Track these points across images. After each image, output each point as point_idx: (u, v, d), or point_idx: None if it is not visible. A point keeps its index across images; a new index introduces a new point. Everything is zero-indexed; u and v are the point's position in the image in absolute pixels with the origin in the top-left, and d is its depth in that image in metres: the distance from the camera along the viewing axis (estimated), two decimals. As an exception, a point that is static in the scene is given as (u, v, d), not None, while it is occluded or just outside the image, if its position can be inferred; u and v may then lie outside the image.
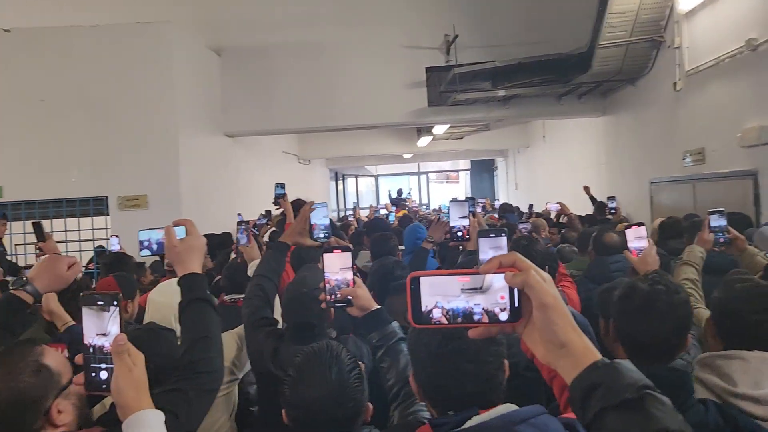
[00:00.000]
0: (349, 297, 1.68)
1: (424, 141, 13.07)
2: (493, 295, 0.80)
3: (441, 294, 0.81)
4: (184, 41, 6.88)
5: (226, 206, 7.91)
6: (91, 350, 1.27)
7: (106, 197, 6.40)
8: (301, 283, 2.21)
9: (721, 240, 2.75)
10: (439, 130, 11.27)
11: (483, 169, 19.67)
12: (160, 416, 1.25)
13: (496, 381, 1.23)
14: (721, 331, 1.69)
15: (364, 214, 12.17)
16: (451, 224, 2.43)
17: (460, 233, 2.45)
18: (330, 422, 1.39)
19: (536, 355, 0.82)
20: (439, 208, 10.01)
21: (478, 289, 0.80)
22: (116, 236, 5.32)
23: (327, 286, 1.66)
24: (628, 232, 2.47)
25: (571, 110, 8.46)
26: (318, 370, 1.42)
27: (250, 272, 2.83)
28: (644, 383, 0.75)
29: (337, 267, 1.64)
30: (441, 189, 21.84)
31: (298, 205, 3.93)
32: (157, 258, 4.77)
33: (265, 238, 5.39)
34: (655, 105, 6.90)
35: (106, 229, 6.31)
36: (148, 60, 6.45)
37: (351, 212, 11.40)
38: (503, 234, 1.53)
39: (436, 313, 0.81)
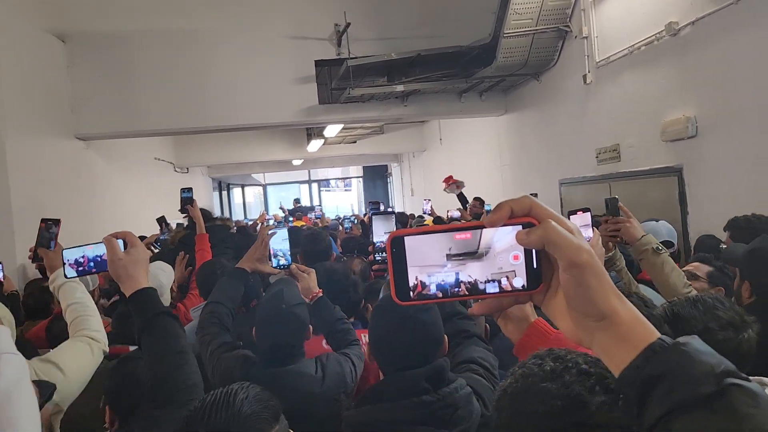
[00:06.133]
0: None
1: (315, 145, 12.13)
2: (494, 260, 0.59)
3: (419, 264, 0.59)
4: (8, 20, 5.48)
5: (83, 223, 6.53)
6: None
7: None
8: (277, 298, 2.01)
9: None
10: (332, 132, 10.39)
11: (376, 176, 19.14)
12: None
13: None
14: None
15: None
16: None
17: None
18: None
19: (562, 331, 0.60)
20: (341, 217, 9.55)
21: (472, 255, 0.59)
22: None
23: None
24: (573, 218, 2.14)
25: (472, 109, 7.94)
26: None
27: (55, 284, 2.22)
28: (724, 368, 0.51)
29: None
30: (333, 197, 20.98)
31: (204, 216, 3.75)
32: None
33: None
34: (562, 100, 6.49)
35: None
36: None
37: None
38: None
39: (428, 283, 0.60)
